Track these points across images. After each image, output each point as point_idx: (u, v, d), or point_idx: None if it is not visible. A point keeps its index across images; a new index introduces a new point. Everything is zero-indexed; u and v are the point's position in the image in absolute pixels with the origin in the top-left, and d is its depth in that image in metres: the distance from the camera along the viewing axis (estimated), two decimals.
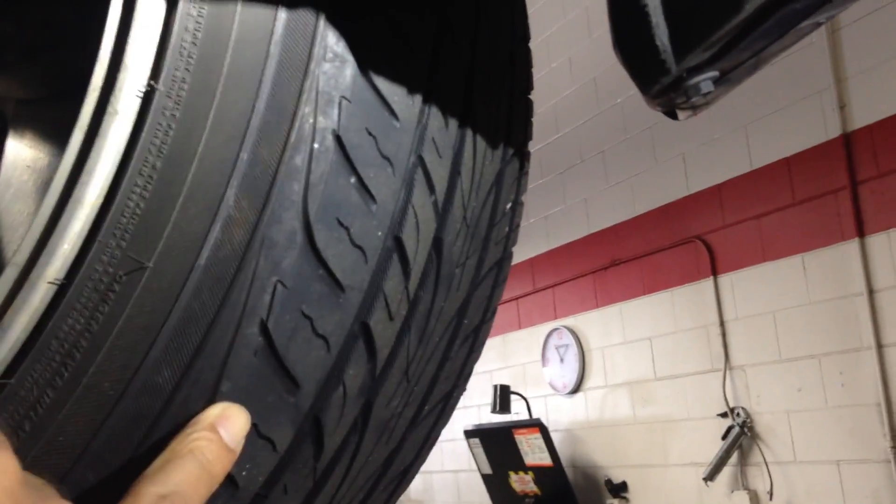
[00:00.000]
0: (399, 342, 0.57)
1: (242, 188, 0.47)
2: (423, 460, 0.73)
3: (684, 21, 0.49)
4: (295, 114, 0.48)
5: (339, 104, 0.49)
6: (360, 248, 0.51)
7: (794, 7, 0.47)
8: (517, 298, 6.52)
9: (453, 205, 0.59)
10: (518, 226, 0.74)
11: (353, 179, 0.50)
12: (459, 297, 0.64)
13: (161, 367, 0.46)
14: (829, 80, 4.30)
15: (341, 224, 0.50)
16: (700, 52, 0.51)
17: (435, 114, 0.56)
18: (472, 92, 0.60)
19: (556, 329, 6.03)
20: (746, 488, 4.74)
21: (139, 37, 0.49)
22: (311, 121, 0.48)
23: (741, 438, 4.76)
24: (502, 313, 6.66)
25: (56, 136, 0.66)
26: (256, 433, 0.49)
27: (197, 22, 0.48)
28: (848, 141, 4.24)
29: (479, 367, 6.67)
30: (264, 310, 0.48)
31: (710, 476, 4.76)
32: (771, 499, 4.58)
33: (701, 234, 5.06)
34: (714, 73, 0.55)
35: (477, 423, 6.33)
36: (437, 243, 0.58)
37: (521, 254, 6.49)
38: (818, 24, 0.52)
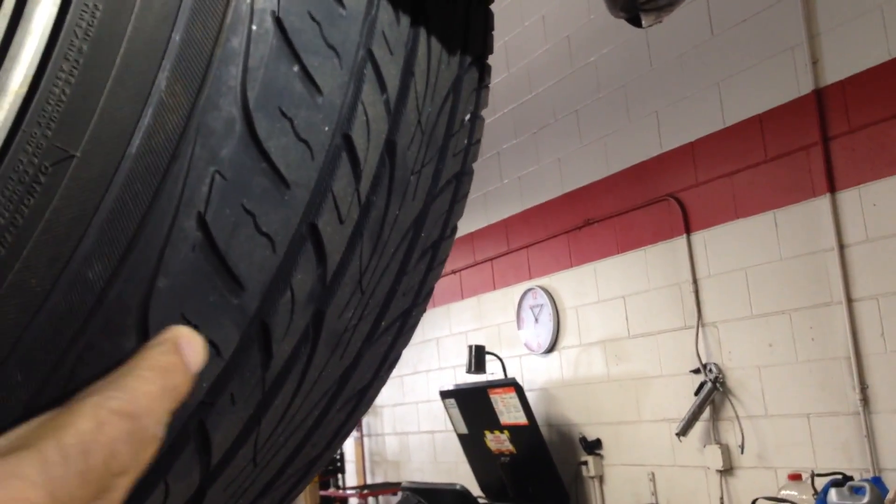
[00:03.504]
0: (351, 248, 0.54)
1: (175, 72, 0.44)
2: (383, 381, 0.71)
3: None
4: None
5: None
6: (305, 142, 0.48)
7: None
8: (492, 259, 6.52)
9: (406, 107, 0.56)
10: (479, 141, 0.71)
11: (295, 67, 0.48)
12: (416, 207, 0.61)
13: (92, 261, 0.43)
14: (802, 36, 4.29)
15: (284, 114, 0.47)
16: None
17: (384, 6, 0.53)
18: None
19: (530, 289, 6.05)
20: (718, 442, 4.80)
21: None
22: (249, 1, 0.46)
23: (713, 394, 4.81)
24: (476, 274, 6.66)
25: None
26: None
27: None
28: (820, 97, 4.24)
29: (454, 328, 6.74)
30: (202, 202, 0.45)
31: (683, 431, 4.82)
32: (742, 452, 4.65)
33: (674, 193, 5.07)
34: None
35: (452, 383, 6.35)
36: (390, 146, 0.55)
37: (494, 214, 6.47)
38: None
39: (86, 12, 0.45)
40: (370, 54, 0.52)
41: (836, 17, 4.19)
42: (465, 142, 0.68)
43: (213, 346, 0.48)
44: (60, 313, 0.43)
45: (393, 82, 0.54)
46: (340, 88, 0.50)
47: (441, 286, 7.06)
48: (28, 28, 0.45)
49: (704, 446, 4.92)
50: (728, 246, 4.76)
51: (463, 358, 6.20)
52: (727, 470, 4.81)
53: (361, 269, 0.56)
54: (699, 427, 4.91)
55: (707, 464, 4.89)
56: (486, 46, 0.69)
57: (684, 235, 4.97)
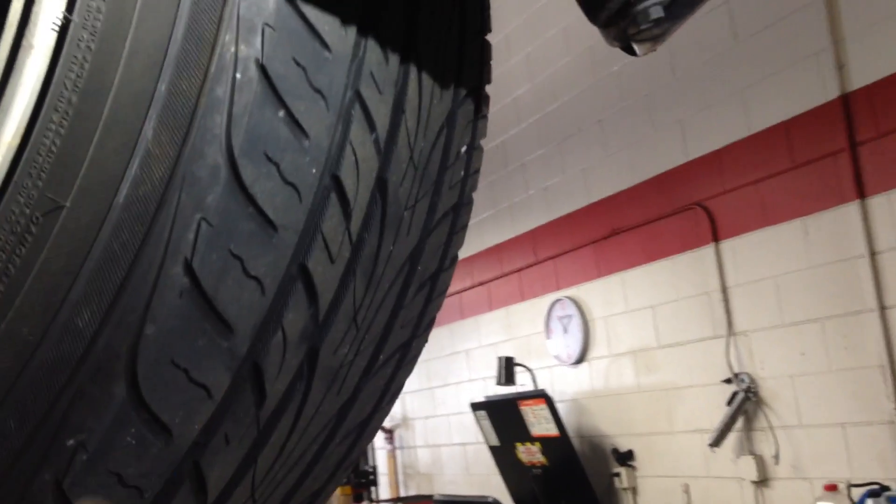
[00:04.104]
0: (343, 286, 0.55)
1: (161, 122, 0.45)
2: (385, 413, 0.71)
3: None
4: (215, 42, 0.45)
5: (263, 31, 0.47)
6: (292, 185, 0.49)
7: None
8: (519, 270, 6.50)
9: (397, 144, 0.56)
10: (477, 171, 0.72)
11: (281, 112, 0.48)
12: (411, 241, 0.61)
13: (81, 309, 0.44)
14: (827, 41, 4.24)
15: (270, 159, 0.48)
16: None
17: (373, 48, 0.54)
18: (416, 28, 0.58)
19: (558, 300, 6.01)
20: (752, 453, 4.73)
21: None
22: (233, 49, 0.46)
23: (746, 404, 4.74)
24: (504, 286, 6.65)
25: None
26: (188, 379, 0.48)
27: None
28: (847, 102, 4.18)
29: (483, 340, 6.73)
30: (188, 248, 0.46)
31: (716, 442, 4.75)
32: (777, 463, 4.57)
33: (701, 201, 5.01)
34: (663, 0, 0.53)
35: (483, 395, 6.33)
36: (381, 184, 0.56)
37: (521, 226, 6.46)
38: None
39: (75, 64, 0.46)
40: (358, 95, 0.53)
41: (862, 21, 4.14)
42: (462, 174, 0.68)
43: (204, 389, 0.48)
44: (52, 361, 0.44)
45: (382, 121, 0.55)
46: (328, 130, 0.51)
47: (470, 298, 7.05)
48: (20, 80, 0.46)
49: (738, 457, 4.84)
50: (757, 254, 4.70)
51: (493, 369, 6.17)
52: (762, 481, 4.74)
53: (355, 305, 0.56)
54: (732, 437, 4.84)
55: (741, 475, 4.81)
56: (481, 78, 0.69)
57: (712, 244, 4.92)
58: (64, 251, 0.44)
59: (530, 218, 6.35)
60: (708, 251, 4.94)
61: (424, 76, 0.59)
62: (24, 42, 0.46)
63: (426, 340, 0.74)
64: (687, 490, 5.12)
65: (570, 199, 5.96)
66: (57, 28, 0.45)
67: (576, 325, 5.83)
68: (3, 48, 0.46)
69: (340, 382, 0.59)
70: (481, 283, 6.88)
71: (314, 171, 0.50)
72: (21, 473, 0.45)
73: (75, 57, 0.45)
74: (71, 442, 0.45)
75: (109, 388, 0.45)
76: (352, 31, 0.52)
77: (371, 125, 0.54)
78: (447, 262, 0.70)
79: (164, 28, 0.45)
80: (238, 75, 0.47)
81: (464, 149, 0.67)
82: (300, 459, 0.61)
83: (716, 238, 4.91)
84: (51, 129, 0.45)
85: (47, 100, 0.45)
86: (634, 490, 5.46)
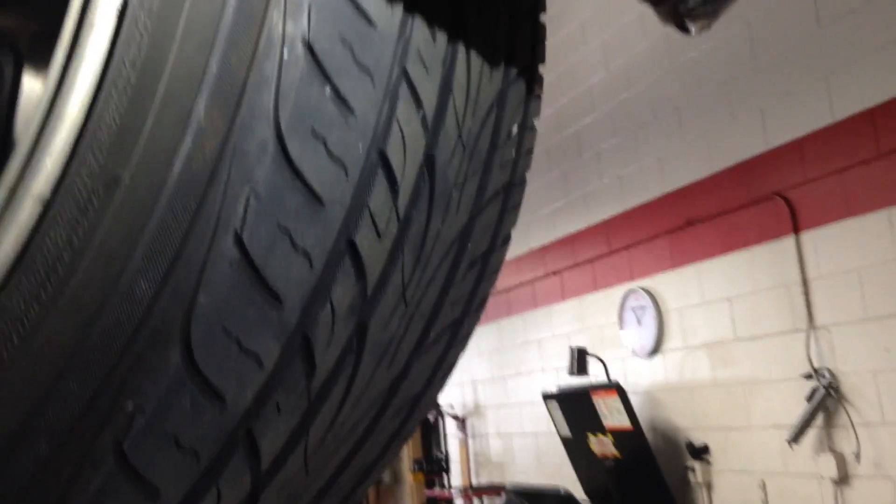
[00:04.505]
0: (391, 262, 0.56)
1: (212, 98, 0.47)
2: (438, 389, 0.72)
3: None
4: (263, 21, 0.47)
5: (309, 10, 0.48)
6: (339, 160, 0.51)
7: None
8: (592, 260, 6.45)
9: (445, 122, 0.57)
10: (530, 151, 0.72)
11: (327, 89, 0.50)
12: (460, 219, 0.62)
13: (138, 278, 0.47)
14: None
15: (316, 135, 0.49)
16: None
17: (419, 26, 0.55)
18: (464, 5, 0.59)
19: (632, 290, 5.95)
20: (832, 450, 4.60)
21: None
22: (280, 28, 0.48)
23: (826, 400, 4.62)
24: (577, 276, 6.61)
25: None
26: (239, 347, 0.50)
27: None
28: None
29: (555, 330, 6.71)
30: (238, 221, 0.48)
31: (795, 438, 4.64)
32: (858, 461, 4.45)
33: (781, 191, 4.89)
34: None
35: (555, 385, 6.32)
36: (429, 161, 0.57)
37: (595, 215, 6.41)
38: None
39: (133, 43, 0.48)
40: (405, 73, 0.54)
41: None
42: (513, 153, 0.69)
43: (255, 358, 0.50)
44: (111, 327, 0.47)
45: (430, 99, 0.56)
46: (374, 107, 0.52)
47: (543, 287, 7.03)
48: (83, 58, 0.49)
49: (818, 454, 4.72)
50: (839, 246, 4.56)
51: (565, 360, 6.15)
52: (842, 479, 4.61)
53: (404, 281, 0.58)
54: (812, 434, 4.72)
55: (821, 472, 4.69)
56: (534, 58, 0.70)
57: (792, 235, 4.79)
58: (122, 223, 0.47)
59: (604, 207, 6.29)
60: (788, 242, 4.82)
61: (473, 55, 0.60)
62: (86, 22, 0.48)
63: (478, 319, 0.75)
64: (763, 487, 5.02)
65: (645, 188, 5.89)
66: (117, 8, 0.48)
67: (650, 317, 5.76)
68: (67, 28, 0.49)
69: (391, 357, 0.61)
70: (554, 273, 6.86)
71: (360, 147, 0.52)
72: (83, 434, 0.48)
73: (134, 36, 0.47)
74: (130, 405, 0.48)
75: (165, 354, 0.48)
76: (398, 9, 0.53)
77: (418, 103, 0.55)
78: (499, 241, 0.71)
79: (215, 8, 0.47)
80: (285, 53, 0.48)
81: (515, 128, 0.68)
82: (352, 432, 0.62)
83: (796, 229, 4.78)
84: (111, 106, 0.47)
85: (108, 77, 0.47)
86: (709, 485, 5.38)
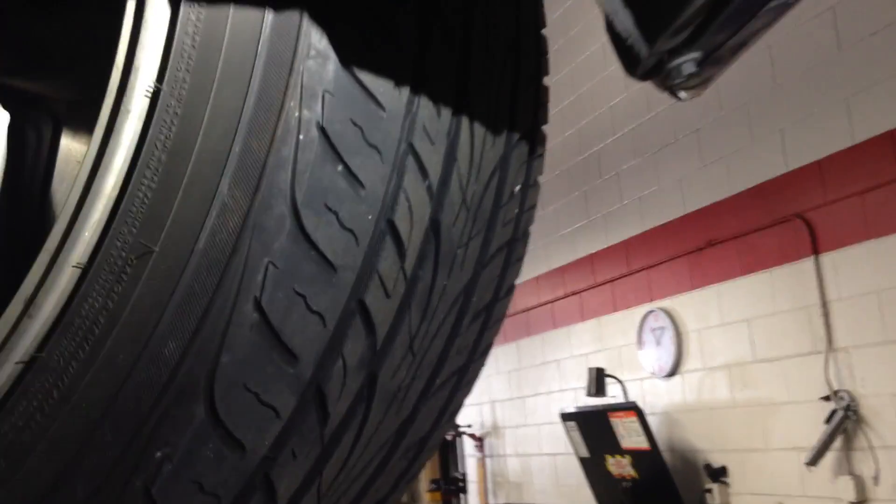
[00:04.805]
0: (399, 318, 0.61)
1: (235, 178, 0.52)
2: (444, 431, 0.77)
3: (647, 8, 0.51)
4: (281, 108, 0.52)
5: (323, 98, 0.53)
6: (350, 230, 0.55)
7: None
8: (612, 281, 6.46)
9: (450, 188, 0.62)
10: (533, 206, 0.77)
11: (339, 167, 0.55)
12: (465, 275, 0.67)
13: (167, 340, 0.52)
14: None
15: (329, 209, 0.54)
16: (669, 35, 0.52)
17: (425, 104, 0.60)
18: (468, 82, 0.63)
19: (651, 311, 5.95)
20: (851, 473, 4.58)
21: (147, 41, 0.54)
22: (297, 114, 0.53)
23: (845, 422, 4.60)
24: (597, 296, 6.61)
25: None
26: (258, 401, 0.55)
27: (195, 26, 0.53)
28: None
29: (574, 351, 6.69)
30: (258, 288, 0.53)
31: (813, 461, 4.62)
32: (877, 484, 4.42)
33: (801, 212, 4.89)
34: (695, 55, 0.57)
35: (573, 406, 6.32)
36: (435, 225, 0.62)
37: (615, 236, 6.42)
38: (790, 5, 0.53)
39: (164, 126, 0.54)
40: (411, 147, 0.59)
41: None
42: (517, 210, 0.74)
43: (273, 410, 0.55)
44: (142, 384, 0.52)
45: (435, 169, 0.61)
46: (382, 181, 0.57)
47: (562, 307, 7.05)
48: (119, 140, 0.54)
49: (836, 477, 4.70)
50: (859, 268, 4.55)
51: (583, 380, 6.16)
52: (861, 502, 4.58)
53: (411, 334, 0.62)
54: (830, 457, 4.70)
55: (839, 495, 4.66)
56: (536, 120, 0.74)
57: (812, 257, 4.79)
58: (153, 289, 0.52)
59: (624, 228, 6.30)
60: (807, 264, 4.82)
61: (476, 125, 0.65)
62: (122, 108, 0.53)
63: (483, 364, 0.79)
64: None
65: (665, 209, 5.90)
66: (149, 95, 0.53)
67: (668, 338, 5.76)
68: (105, 112, 0.54)
69: (399, 403, 0.66)
70: (574, 293, 6.87)
71: (370, 217, 0.57)
72: (117, 479, 0.53)
73: (164, 121, 0.53)
74: (158, 454, 0.53)
75: (191, 409, 0.53)
76: (405, 91, 0.58)
77: (424, 173, 0.60)
78: (503, 292, 0.76)
79: (238, 96, 0.53)
80: (301, 136, 0.53)
81: (518, 188, 0.72)
82: (363, 472, 0.67)
83: (816, 251, 4.78)
84: (144, 184, 0.53)
85: (141, 157, 0.53)
86: None
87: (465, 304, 0.69)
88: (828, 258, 4.71)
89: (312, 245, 0.54)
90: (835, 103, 4.68)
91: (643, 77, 0.59)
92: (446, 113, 0.62)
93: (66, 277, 0.53)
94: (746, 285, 5.23)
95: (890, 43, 4.38)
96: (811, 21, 4.80)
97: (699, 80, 0.61)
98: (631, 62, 0.57)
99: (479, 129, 0.65)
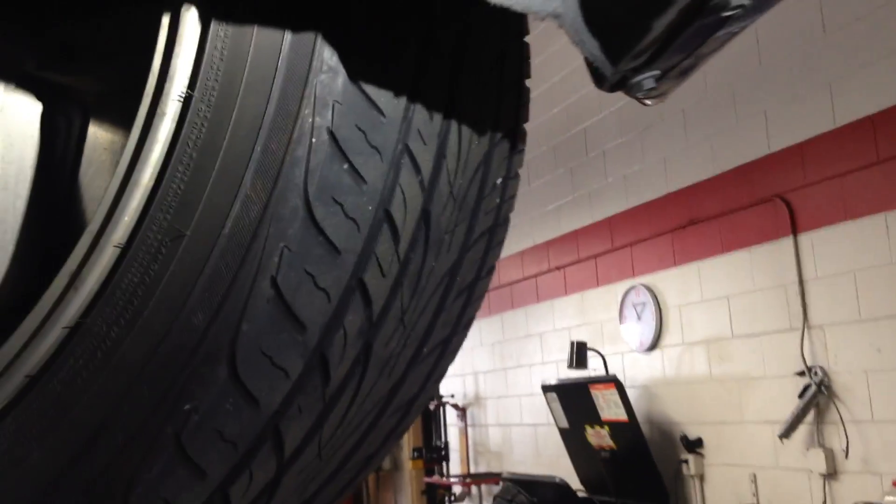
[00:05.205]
0: (393, 294, 0.70)
1: (257, 174, 0.61)
2: (429, 394, 0.87)
3: (610, 37, 0.60)
4: (297, 115, 0.61)
5: (333, 107, 0.63)
6: (353, 219, 0.65)
7: (702, 23, 0.57)
8: (595, 256, 6.56)
9: (439, 182, 0.71)
10: (513, 197, 0.86)
11: (345, 166, 0.64)
12: (451, 258, 0.77)
13: (196, 311, 0.61)
14: None
15: (336, 201, 0.64)
16: (630, 59, 0.61)
17: (420, 110, 0.69)
18: (457, 90, 0.72)
19: (633, 287, 6.07)
20: (822, 446, 4.73)
21: (181, 53, 0.63)
22: (310, 120, 0.62)
23: (818, 397, 4.74)
24: (580, 271, 6.72)
25: (125, 123, 0.81)
26: (272, 363, 0.64)
27: (223, 42, 0.62)
28: None
29: (557, 324, 6.80)
30: (274, 268, 0.62)
31: (786, 433, 4.77)
32: (847, 457, 4.57)
33: (781, 193, 5.00)
34: (655, 73, 0.66)
35: (555, 378, 6.44)
36: (425, 214, 0.71)
37: (599, 212, 6.51)
38: (734, 33, 0.62)
39: (195, 128, 0.63)
40: (407, 148, 0.68)
41: None
42: (498, 200, 0.83)
43: (283, 371, 0.65)
44: (175, 348, 0.61)
45: (427, 165, 0.70)
46: (382, 177, 0.66)
47: (546, 282, 7.16)
48: (155, 138, 0.63)
49: (808, 449, 4.84)
50: (836, 248, 4.67)
51: (565, 353, 6.28)
52: (831, 474, 4.73)
53: (403, 309, 0.72)
54: (803, 430, 4.84)
55: (810, 467, 4.81)
56: (517, 120, 0.83)
57: (791, 236, 4.90)
58: (184, 267, 0.61)
59: (608, 205, 6.40)
60: (786, 244, 4.93)
61: (464, 127, 0.74)
62: (158, 110, 0.62)
63: (465, 336, 0.89)
64: (754, 480, 5.14)
65: (649, 187, 6.00)
66: (181, 100, 0.62)
67: (650, 313, 5.89)
68: (141, 114, 0.63)
69: (391, 369, 0.75)
70: (558, 268, 6.98)
71: (370, 207, 0.66)
72: (151, 427, 0.62)
73: (195, 123, 0.62)
74: (187, 406, 0.62)
75: (215, 369, 0.62)
76: (403, 100, 0.67)
77: (417, 169, 0.69)
78: (484, 272, 0.85)
79: (260, 103, 0.62)
80: (314, 139, 0.62)
81: (500, 180, 0.82)
82: (357, 428, 0.77)
83: (795, 230, 4.89)
84: (177, 176, 0.62)
85: (175, 154, 0.62)
86: (702, 477, 5.51)
87: (450, 282, 0.78)
88: (806, 238, 4.83)
89: (321, 232, 0.63)
90: (818, 86, 4.77)
91: (610, 90, 0.68)
92: (438, 117, 0.71)
93: (107, 255, 0.62)
94: (726, 263, 5.35)
95: (874, 28, 4.46)
96: (798, 5, 4.87)
97: (659, 93, 0.70)
98: (599, 78, 0.66)
99: (467, 131, 0.74)
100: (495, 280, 7.90)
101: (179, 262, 0.61)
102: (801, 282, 4.84)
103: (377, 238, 0.67)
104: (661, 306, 5.86)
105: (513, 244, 7.55)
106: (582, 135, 6.74)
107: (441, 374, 0.88)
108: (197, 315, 0.61)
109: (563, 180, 6.93)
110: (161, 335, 0.61)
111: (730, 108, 5.37)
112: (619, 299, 6.21)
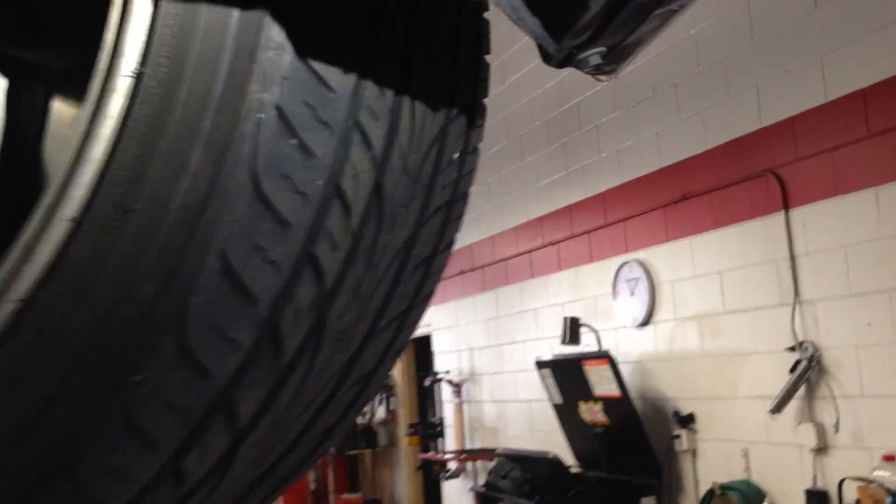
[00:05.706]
0: (346, 268, 0.72)
1: (205, 149, 0.63)
2: (388, 367, 0.88)
3: (549, 15, 0.61)
4: (244, 90, 0.62)
5: (281, 83, 0.64)
6: (302, 193, 0.66)
7: (639, 2, 0.58)
8: (589, 232, 6.58)
9: (392, 157, 0.72)
10: (471, 172, 0.87)
11: (293, 141, 0.65)
12: (406, 232, 0.78)
13: (146, 283, 0.62)
14: None
15: (284, 175, 0.65)
16: (571, 36, 0.62)
17: (370, 86, 0.70)
18: (410, 65, 0.73)
19: (626, 262, 6.09)
20: (813, 421, 4.76)
21: (132, 30, 0.64)
22: (258, 96, 0.63)
23: (809, 372, 4.77)
24: (574, 246, 6.73)
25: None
26: (221, 335, 0.65)
27: (174, 19, 0.63)
28: None
29: (550, 300, 6.81)
30: (223, 241, 0.63)
31: (777, 408, 4.80)
32: (837, 431, 4.61)
33: (773, 168, 5.00)
34: (600, 49, 0.67)
35: (549, 354, 6.48)
36: (378, 188, 0.72)
37: (592, 187, 6.52)
38: (674, 11, 0.63)
39: (146, 104, 0.64)
40: (357, 123, 0.69)
41: None
42: (455, 175, 0.84)
43: (234, 342, 0.66)
44: (124, 320, 0.63)
45: (378, 141, 0.71)
46: (332, 152, 0.67)
47: (539, 257, 7.18)
48: (107, 113, 0.64)
49: (799, 424, 4.88)
50: (827, 223, 4.68)
51: (559, 329, 6.31)
52: (821, 449, 4.77)
53: (357, 282, 0.73)
54: (794, 405, 4.87)
55: (801, 442, 4.85)
56: (475, 95, 0.84)
57: (782, 212, 4.91)
58: (135, 241, 0.62)
59: (602, 180, 6.41)
60: (778, 219, 4.94)
61: (417, 103, 0.75)
62: (110, 86, 0.63)
63: (425, 309, 0.90)
64: (746, 454, 5.19)
65: (642, 162, 6.00)
66: (133, 77, 0.63)
67: (643, 288, 5.91)
68: (94, 90, 0.64)
69: (346, 342, 0.77)
70: (551, 244, 7.00)
71: (320, 182, 0.67)
72: (100, 399, 0.64)
73: (146, 99, 0.63)
74: (137, 378, 0.64)
75: (164, 340, 0.63)
76: (352, 76, 0.68)
77: (368, 145, 0.70)
78: (442, 246, 0.87)
79: (209, 80, 0.63)
80: (261, 115, 0.63)
81: (457, 155, 0.83)
82: (313, 401, 0.78)
83: (786, 206, 4.90)
84: (128, 152, 0.63)
85: (126, 130, 0.63)
86: (694, 452, 5.56)
87: (406, 256, 0.79)
88: (797, 213, 4.84)
89: (269, 206, 0.64)
90: (810, 61, 4.76)
91: (558, 66, 0.69)
92: (389, 93, 0.72)
93: (60, 230, 0.63)
94: (718, 238, 5.36)
95: (865, 2, 4.45)
96: None
97: (608, 69, 0.71)
98: (545, 55, 0.67)
99: (420, 106, 0.75)
100: (490, 256, 7.93)
101: (130, 236, 0.62)
102: (793, 257, 4.86)
103: (328, 212, 0.68)
104: (654, 282, 5.88)
105: (507, 220, 7.57)
106: (575, 109, 6.73)
107: (400, 348, 0.89)
108: (146, 287, 0.63)
109: (557, 155, 6.93)
110: (111, 307, 0.62)
111: (722, 82, 5.36)
112: (613, 275, 6.23)
